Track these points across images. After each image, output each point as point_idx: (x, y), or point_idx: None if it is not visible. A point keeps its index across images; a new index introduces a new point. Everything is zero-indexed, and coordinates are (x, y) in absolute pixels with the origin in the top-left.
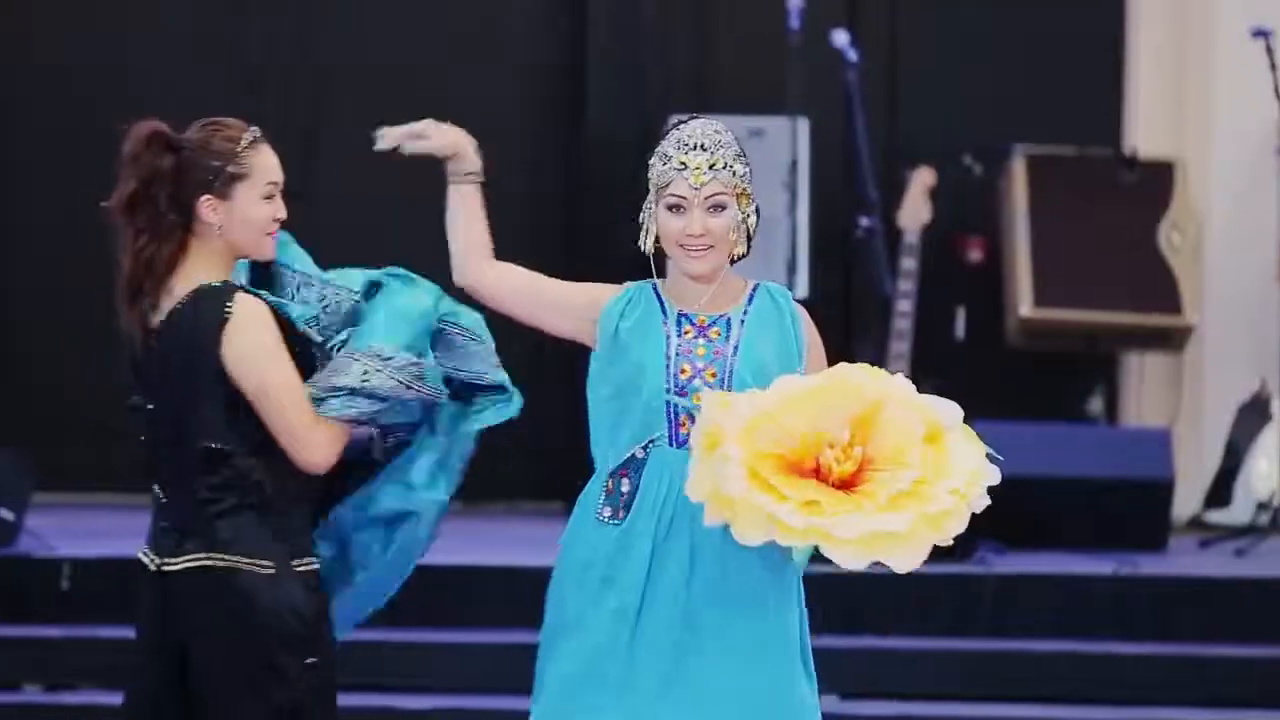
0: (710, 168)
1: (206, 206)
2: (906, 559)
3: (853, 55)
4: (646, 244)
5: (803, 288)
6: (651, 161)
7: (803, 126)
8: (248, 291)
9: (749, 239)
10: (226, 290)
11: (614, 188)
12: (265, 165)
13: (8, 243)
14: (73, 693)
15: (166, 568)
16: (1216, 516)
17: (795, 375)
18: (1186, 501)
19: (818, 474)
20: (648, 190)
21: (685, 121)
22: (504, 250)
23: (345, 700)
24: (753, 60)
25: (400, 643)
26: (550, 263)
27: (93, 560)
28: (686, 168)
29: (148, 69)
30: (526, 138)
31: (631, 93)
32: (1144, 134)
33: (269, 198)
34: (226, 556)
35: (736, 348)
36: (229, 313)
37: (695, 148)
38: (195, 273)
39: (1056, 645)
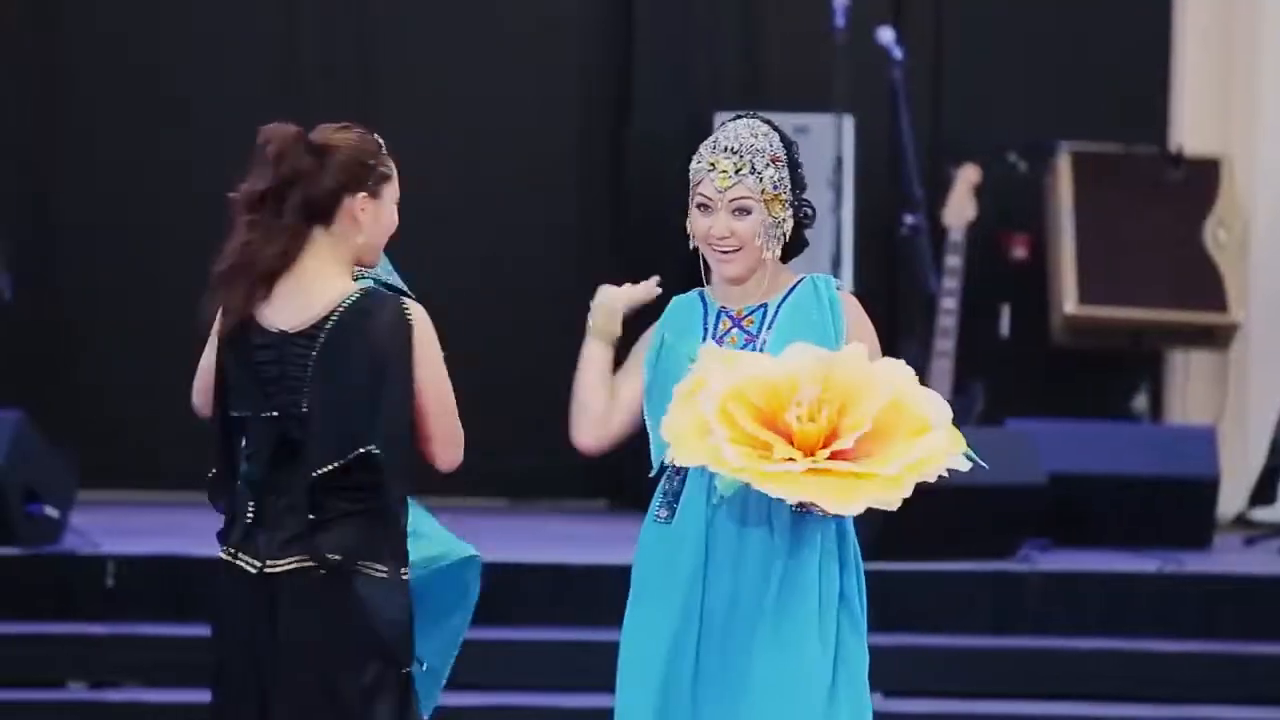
0: (736, 171)
1: (360, 205)
2: (838, 504)
3: (898, 52)
4: (691, 242)
5: (847, 285)
6: (692, 158)
7: (848, 124)
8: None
9: (792, 242)
10: (392, 296)
11: (661, 186)
12: (395, 170)
13: (57, 243)
14: (117, 690)
15: (272, 569)
16: (1261, 514)
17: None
18: (1231, 499)
19: (790, 438)
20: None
21: (733, 120)
22: (553, 246)
23: None
24: (798, 58)
25: None
26: (598, 260)
27: (137, 557)
28: (715, 169)
29: (189, 71)
30: (574, 137)
31: (678, 91)
32: (1190, 131)
33: (395, 203)
34: (343, 559)
35: (768, 334)
36: (411, 320)
37: (726, 150)
38: (328, 274)
39: (1100, 643)
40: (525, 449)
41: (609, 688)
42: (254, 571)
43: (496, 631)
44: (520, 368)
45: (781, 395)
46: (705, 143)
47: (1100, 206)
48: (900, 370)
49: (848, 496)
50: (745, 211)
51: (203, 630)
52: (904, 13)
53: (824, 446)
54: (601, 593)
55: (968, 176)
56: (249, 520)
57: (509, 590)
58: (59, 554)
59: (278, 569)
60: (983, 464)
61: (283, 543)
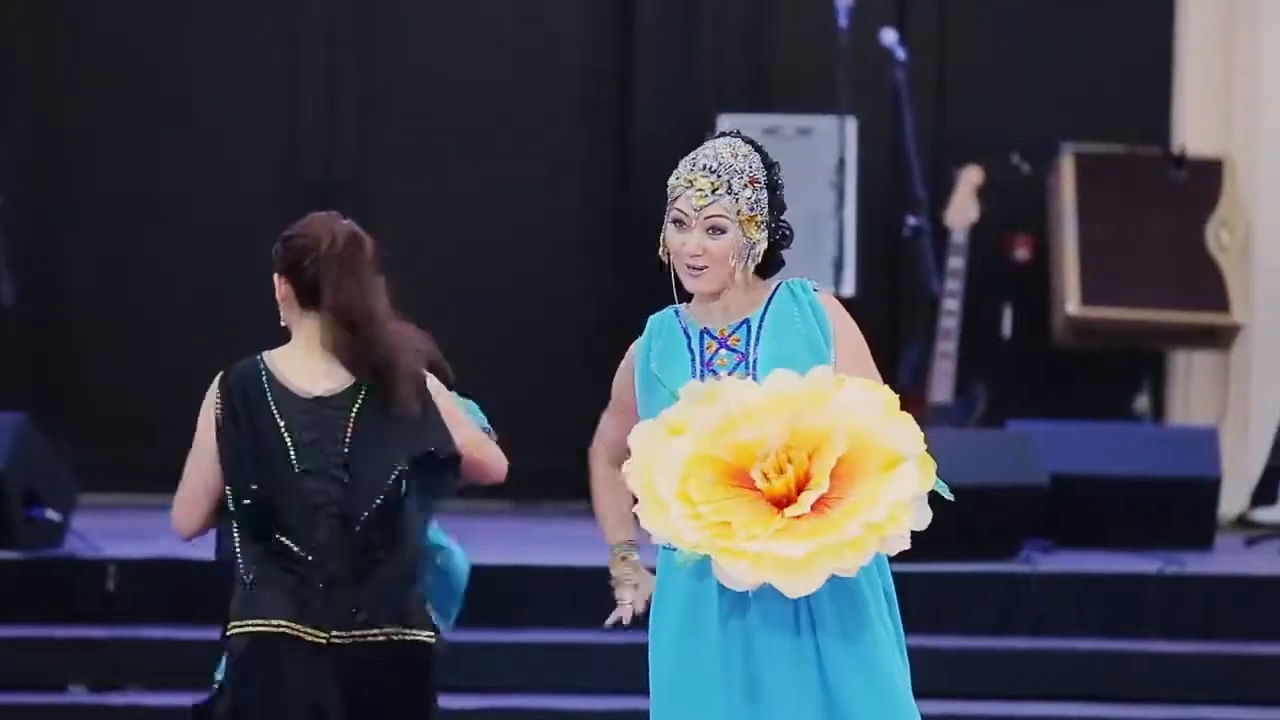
0: (713, 191)
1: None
2: (798, 585)
3: (901, 54)
4: (661, 253)
5: (850, 286)
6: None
7: (850, 125)
8: None
9: (766, 262)
10: None
11: (664, 188)
12: None
13: (64, 244)
14: (119, 693)
15: (340, 640)
16: (1263, 514)
17: (822, 368)
18: (1233, 500)
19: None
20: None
21: (717, 138)
22: (557, 248)
23: None
24: (801, 60)
25: (455, 643)
26: (602, 263)
27: (138, 561)
28: (692, 186)
29: (189, 71)
30: (578, 138)
31: (681, 93)
32: (1192, 132)
33: None
34: (408, 629)
35: (757, 350)
36: (425, 374)
37: (704, 169)
38: None
39: (1101, 644)
40: (530, 451)
41: (615, 690)
42: (320, 642)
43: (502, 634)
44: (524, 370)
45: (751, 450)
46: (685, 159)
47: (1103, 207)
48: (866, 400)
49: (807, 578)
50: (720, 230)
51: (203, 633)
52: (907, 14)
53: (798, 493)
54: (607, 595)
55: (970, 177)
56: (304, 590)
57: (514, 592)
58: (60, 557)
59: (346, 640)
60: (949, 496)
61: (348, 613)
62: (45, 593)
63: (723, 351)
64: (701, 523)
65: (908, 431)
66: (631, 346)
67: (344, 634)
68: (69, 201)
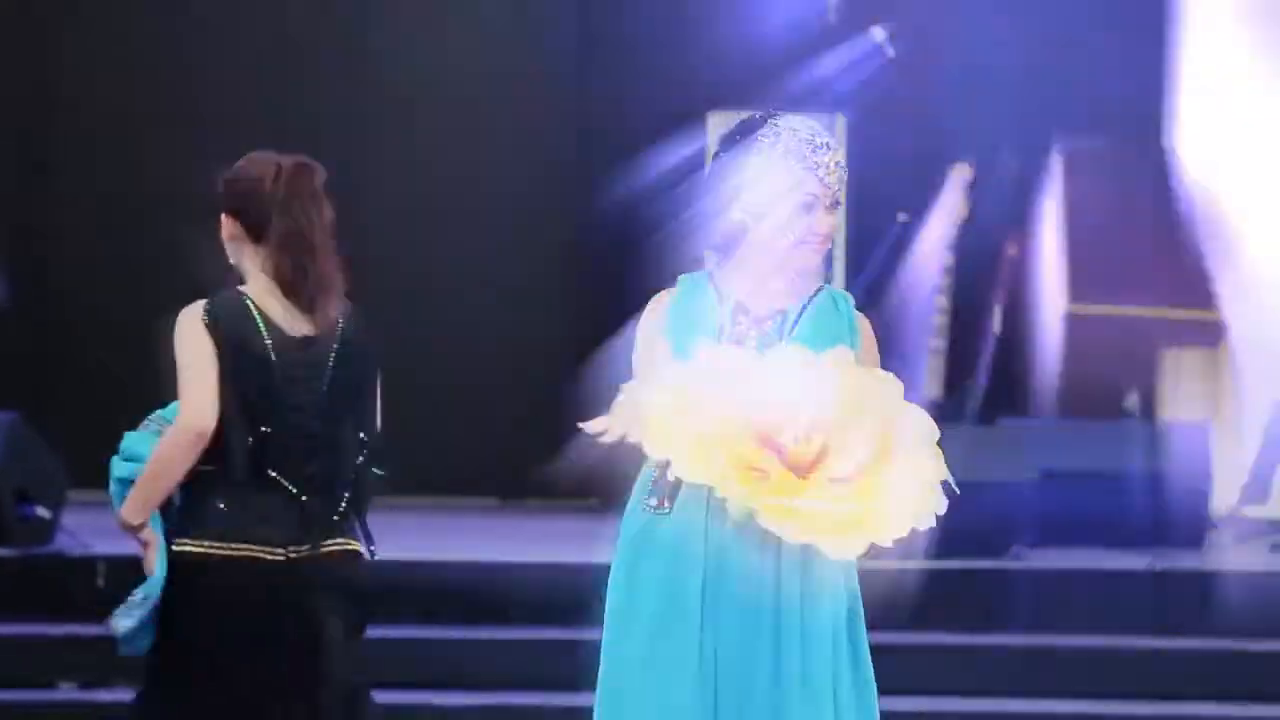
0: (837, 165)
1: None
2: (841, 546)
3: (890, 51)
4: (785, 240)
5: (839, 284)
6: (759, 160)
7: (840, 123)
8: None
9: None
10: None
11: (658, 185)
12: None
13: (53, 244)
14: (108, 690)
15: (297, 554)
16: (1253, 511)
17: (843, 349)
18: (1224, 496)
19: (780, 451)
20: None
21: (788, 117)
22: (550, 246)
23: (385, 697)
24: (790, 57)
25: (439, 639)
26: (597, 260)
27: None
28: (820, 166)
29: (189, 71)
30: (572, 134)
31: (672, 89)
32: (1182, 129)
33: None
34: (354, 541)
35: (788, 341)
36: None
37: (824, 146)
38: None
39: (1092, 640)
40: (516, 448)
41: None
42: (279, 559)
43: (488, 631)
44: (511, 368)
45: (777, 412)
46: (785, 143)
47: (1093, 204)
48: (888, 388)
49: (847, 534)
50: (838, 204)
51: None
52: (897, 11)
53: (815, 464)
54: (594, 591)
55: (960, 175)
56: (287, 510)
57: (500, 589)
58: (50, 554)
59: (306, 553)
60: (955, 488)
61: (314, 530)
62: (35, 590)
63: (753, 331)
64: (739, 474)
65: (924, 419)
66: (655, 300)
67: (308, 548)
68: (60, 200)
